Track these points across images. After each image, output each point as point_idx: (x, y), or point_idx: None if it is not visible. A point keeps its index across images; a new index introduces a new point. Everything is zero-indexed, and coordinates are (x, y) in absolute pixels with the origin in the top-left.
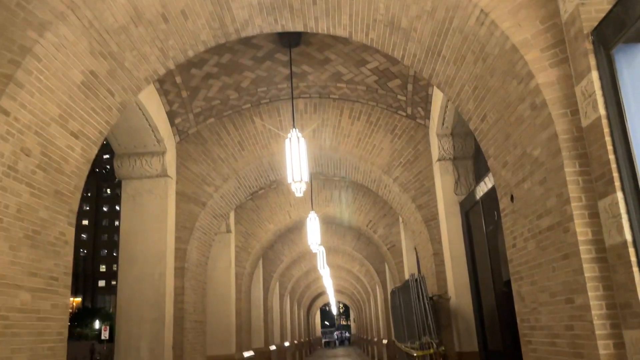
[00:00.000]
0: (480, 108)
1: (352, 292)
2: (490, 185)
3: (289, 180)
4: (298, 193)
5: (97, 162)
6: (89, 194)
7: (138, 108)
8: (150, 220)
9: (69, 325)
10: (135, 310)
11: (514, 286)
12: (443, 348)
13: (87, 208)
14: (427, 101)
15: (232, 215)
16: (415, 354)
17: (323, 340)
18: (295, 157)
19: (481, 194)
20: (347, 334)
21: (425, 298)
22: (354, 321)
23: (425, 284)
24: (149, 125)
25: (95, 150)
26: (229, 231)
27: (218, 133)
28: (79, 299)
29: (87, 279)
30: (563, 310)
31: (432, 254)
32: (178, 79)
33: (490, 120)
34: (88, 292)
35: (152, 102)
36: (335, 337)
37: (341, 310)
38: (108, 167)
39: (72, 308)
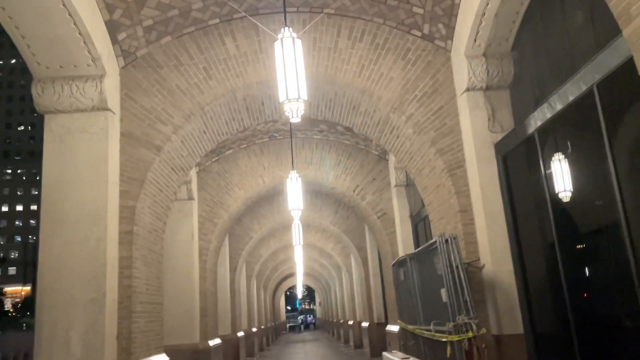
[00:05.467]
0: None
1: (320, 273)
2: (559, 107)
3: (281, 98)
4: (294, 117)
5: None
6: (38, 178)
7: (62, 4)
8: (85, 168)
9: (17, 316)
10: (63, 290)
11: None
12: (484, 330)
13: (36, 192)
14: (451, 14)
15: (194, 180)
16: (445, 339)
17: (288, 325)
18: (290, 65)
19: (539, 123)
20: (311, 318)
21: (460, 266)
22: (320, 305)
23: (459, 246)
24: (80, 34)
25: None
26: (191, 198)
27: (177, 56)
28: (28, 288)
29: (37, 266)
30: None
31: (457, 211)
32: None
33: None
34: None
35: (84, 2)
36: (300, 321)
37: (305, 294)
38: None
39: (20, 297)
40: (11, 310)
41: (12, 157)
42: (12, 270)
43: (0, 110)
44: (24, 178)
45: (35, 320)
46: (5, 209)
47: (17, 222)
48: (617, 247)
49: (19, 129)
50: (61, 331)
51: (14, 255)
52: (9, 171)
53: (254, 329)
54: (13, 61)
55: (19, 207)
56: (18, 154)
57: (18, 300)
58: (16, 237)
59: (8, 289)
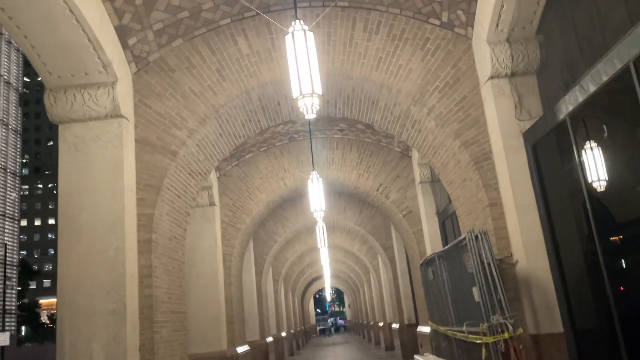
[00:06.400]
0: None
1: (348, 275)
2: (592, 89)
3: (294, 94)
4: (308, 112)
5: None
6: None
7: (69, 10)
8: (100, 177)
9: (54, 328)
10: (83, 301)
11: None
12: (521, 330)
13: None
14: None
15: (215, 185)
16: (479, 341)
17: (318, 328)
18: (302, 59)
19: (570, 108)
20: (341, 321)
21: (492, 263)
22: (349, 307)
23: (490, 242)
24: (89, 40)
25: None
26: (212, 204)
27: (189, 59)
28: None
29: None
30: None
31: (486, 205)
32: None
33: None
34: None
35: (91, 8)
36: (330, 324)
37: (334, 297)
38: None
39: (55, 309)
40: (47, 322)
41: (43, 172)
42: (46, 283)
43: (30, 127)
44: (55, 192)
45: (57, 333)
46: (38, 222)
47: (49, 235)
48: None
49: (48, 144)
50: (82, 343)
51: (47, 267)
52: (40, 186)
53: (283, 334)
54: (40, 78)
55: (51, 221)
56: (48, 168)
57: (53, 312)
58: (49, 250)
59: (43, 301)
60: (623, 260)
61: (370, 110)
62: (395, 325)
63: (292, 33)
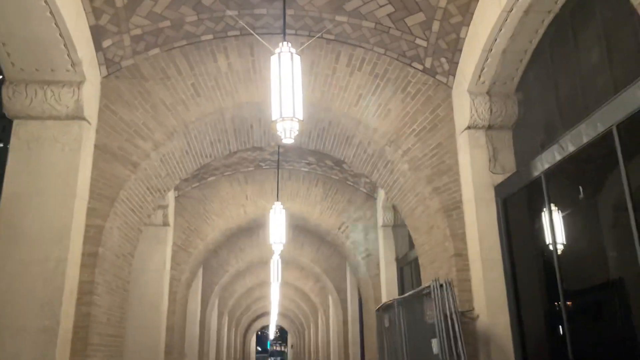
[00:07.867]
0: None
1: (295, 314)
2: (571, 149)
3: (274, 116)
4: (286, 137)
5: None
6: None
7: (44, 1)
8: (51, 180)
9: None
10: (13, 315)
11: None
12: None
13: None
14: (455, 48)
15: (171, 205)
16: None
17: None
18: (286, 81)
19: (546, 165)
20: None
21: (455, 315)
22: (292, 347)
23: (454, 293)
24: (61, 35)
25: None
26: (166, 224)
27: (164, 70)
28: None
29: None
30: None
31: (452, 255)
32: None
33: None
34: None
35: (68, 2)
36: None
37: (277, 335)
38: None
39: None
40: None
41: None
42: None
43: None
44: None
45: None
46: None
47: None
48: (634, 303)
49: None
50: None
51: None
52: None
53: None
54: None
55: None
56: None
57: None
58: None
59: None
60: (590, 327)
61: (344, 146)
62: None
63: (279, 54)
